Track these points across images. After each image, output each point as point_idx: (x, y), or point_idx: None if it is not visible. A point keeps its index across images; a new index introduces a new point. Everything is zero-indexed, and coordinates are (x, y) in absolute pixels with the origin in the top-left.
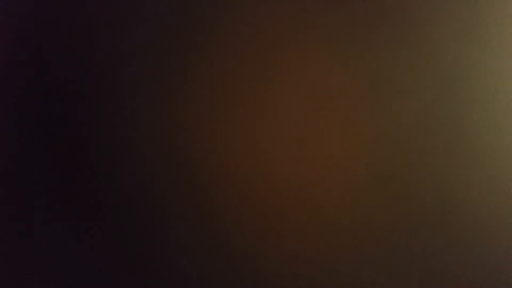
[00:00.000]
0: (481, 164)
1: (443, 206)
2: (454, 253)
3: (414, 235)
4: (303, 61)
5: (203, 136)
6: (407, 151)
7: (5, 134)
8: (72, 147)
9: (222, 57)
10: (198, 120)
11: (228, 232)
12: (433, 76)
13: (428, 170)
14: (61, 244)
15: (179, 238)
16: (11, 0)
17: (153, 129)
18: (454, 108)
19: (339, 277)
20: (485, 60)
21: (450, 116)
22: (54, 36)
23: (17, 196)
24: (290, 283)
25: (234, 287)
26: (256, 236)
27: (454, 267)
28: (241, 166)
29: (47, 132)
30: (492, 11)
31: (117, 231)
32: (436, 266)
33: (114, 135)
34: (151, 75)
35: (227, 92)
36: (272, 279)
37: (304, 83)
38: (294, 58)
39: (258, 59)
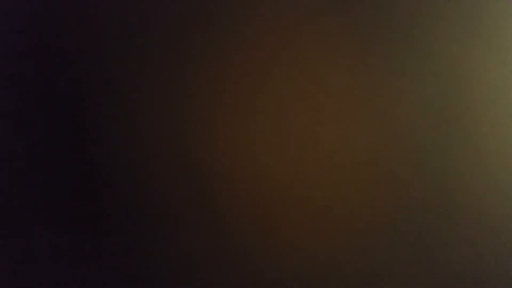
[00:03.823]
0: (481, 163)
1: (443, 205)
2: (454, 252)
3: (415, 234)
4: (304, 62)
5: (206, 135)
6: (407, 151)
7: (6, 134)
8: (74, 147)
9: (225, 57)
10: (200, 120)
11: (231, 230)
12: (433, 76)
13: (428, 169)
14: (63, 244)
15: (183, 237)
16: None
17: (156, 129)
18: (454, 108)
19: (340, 273)
20: (485, 60)
21: (450, 115)
22: (56, 36)
23: (19, 196)
24: (293, 280)
25: (238, 284)
26: (259, 234)
27: (455, 265)
28: (243, 166)
29: (49, 133)
30: (492, 11)
31: (120, 232)
32: (436, 264)
33: (116, 135)
34: (153, 75)
35: (230, 93)
36: (275, 276)
37: (304, 83)
38: (295, 58)
39: (259, 60)
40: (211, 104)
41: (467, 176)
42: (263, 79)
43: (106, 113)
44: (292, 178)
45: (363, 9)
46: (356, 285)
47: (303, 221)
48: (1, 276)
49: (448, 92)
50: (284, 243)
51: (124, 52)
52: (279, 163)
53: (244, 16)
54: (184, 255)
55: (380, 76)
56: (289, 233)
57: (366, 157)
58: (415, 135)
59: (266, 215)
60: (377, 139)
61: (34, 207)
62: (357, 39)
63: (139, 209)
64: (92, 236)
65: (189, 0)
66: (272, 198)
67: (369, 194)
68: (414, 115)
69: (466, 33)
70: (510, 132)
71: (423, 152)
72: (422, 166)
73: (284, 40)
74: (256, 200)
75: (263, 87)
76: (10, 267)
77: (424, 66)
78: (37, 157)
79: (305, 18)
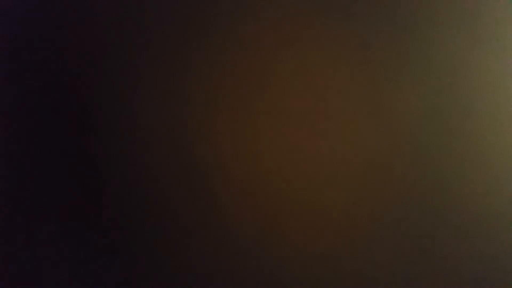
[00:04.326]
0: (482, 163)
1: (443, 205)
2: (454, 251)
3: (414, 233)
4: (305, 62)
5: (207, 136)
6: (408, 151)
7: (6, 134)
8: (74, 148)
9: (226, 58)
10: (201, 120)
11: (231, 230)
12: (433, 76)
13: (428, 169)
14: (63, 244)
15: (184, 237)
16: (13, 0)
17: (157, 129)
18: (454, 108)
19: (340, 273)
20: (485, 60)
21: (450, 115)
22: (57, 37)
23: (20, 195)
24: (293, 280)
25: (240, 284)
26: (260, 234)
27: (455, 265)
28: (244, 165)
29: (49, 133)
30: (492, 11)
31: (120, 232)
32: (436, 264)
33: (118, 135)
34: (154, 75)
35: (231, 93)
36: (275, 275)
37: (305, 83)
38: (295, 58)
39: (260, 60)
40: (212, 104)
41: (467, 175)
42: (264, 79)
43: (106, 113)
44: (293, 178)
45: (363, 9)
46: (356, 285)
47: (304, 221)
48: (1, 276)
49: (449, 92)
50: (285, 243)
51: (125, 52)
52: (279, 163)
53: (245, 16)
54: (184, 255)
55: (380, 77)
56: (289, 233)
57: (366, 157)
58: (416, 135)
59: (266, 215)
60: (377, 139)
61: (34, 208)
62: (357, 39)
63: (139, 209)
64: (92, 236)
65: (189, 1)
66: (272, 198)
67: (370, 194)
68: (415, 115)
69: (466, 33)
70: (510, 132)
71: (423, 152)
72: (422, 166)
73: (284, 41)
74: (256, 200)
75: (264, 87)
76: (10, 267)
77: (424, 66)
78: (37, 157)
79: (305, 18)
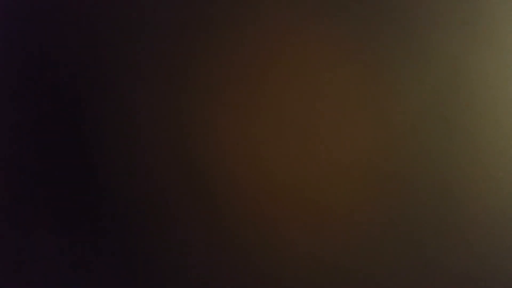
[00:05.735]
0: (481, 163)
1: (443, 205)
2: (454, 251)
3: (414, 233)
4: (304, 62)
5: (206, 136)
6: (407, 151)
7: (7, 134)
8: (74, 148)
9: (226, 57)
10: (201, 120)
11: (231, 230)
12: (433, 76)
13: (428, 169)
14: (63, 244)
15: (184, 237)
16: (14, 0)
17: (156, 130)
18: (454, 108)
19: (340, 273)
20: (485, 60)
21: (450, 115)
22: (57, 36)
23: (20, 196)
24: (292, 280)
25: (238, 284)
26: (259, 234)
27: (454, 265)
28: (244, 165)
29: (49, 133)
30: (492, 11)
31: (120, 232)
32: (436, 264)
33: (116, 135)
34: (154, 75)
35: (230, 93)
36: (275, 275)
37: (305, 83)
38: (295, 58)
39: (260, 60)
40: (211, 104)
41: (467, 175)
42: (263, 79)
43: (106, 113)
44: (292, 178)
45: (362, 9)
46: (356, 285)
47: (303, 221)
48: (1, 276)
49: (448, 92)
50: (284, 243)
51: (125, 52)
52: (279, 163)
53: (244, 16)
54: (184, 255)
55: (380, 76)
56: (289, 233)
57: (366, 157)
58: (415, 135)
59: (266, 215)
60: (377, 139)
61: (35, 208)
62: (356, 39)
63: (139, 209)
64: (92, 236)
65: (189, 0)
66: (272, 198)
67: (369, 194)
68: (414, 114)
69: (466, 33)
70: (510, 132)
71: (423, 152)
72: (421, 166)
73: (284, 41)
74: (256, 200)
75: (263, 87)
76: (10, 267)
77: (424, 66)
78: (38, 158)
79: (305, 18)
